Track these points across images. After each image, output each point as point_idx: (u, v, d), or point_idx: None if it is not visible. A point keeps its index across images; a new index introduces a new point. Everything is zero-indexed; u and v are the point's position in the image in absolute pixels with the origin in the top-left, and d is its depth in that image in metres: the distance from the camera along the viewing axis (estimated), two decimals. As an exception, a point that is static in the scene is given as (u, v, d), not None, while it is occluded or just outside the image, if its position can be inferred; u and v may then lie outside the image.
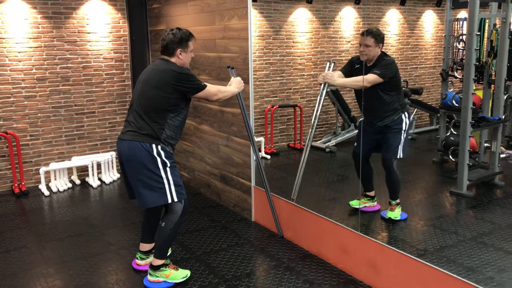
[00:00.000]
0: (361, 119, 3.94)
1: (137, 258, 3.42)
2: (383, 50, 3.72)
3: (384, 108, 3.73)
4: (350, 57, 3.98)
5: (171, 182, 3.03)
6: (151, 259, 3.30)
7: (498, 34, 4.42)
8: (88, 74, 5.54)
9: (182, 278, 3.20)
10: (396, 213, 3.75)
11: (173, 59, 3.08)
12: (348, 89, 5.10)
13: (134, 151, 2.99)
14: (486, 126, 4.46)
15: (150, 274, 3.18)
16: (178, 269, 3.23)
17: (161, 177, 3.00)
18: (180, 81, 2.98)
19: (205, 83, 3.14)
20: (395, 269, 3.00)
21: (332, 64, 3.83)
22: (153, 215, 3.32)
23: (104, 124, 5.73)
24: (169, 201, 3.04)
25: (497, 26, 4.52)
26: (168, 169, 3.03)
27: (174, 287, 3.15)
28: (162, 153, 3.01)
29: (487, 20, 4.60)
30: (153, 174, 2.99)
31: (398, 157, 3.72)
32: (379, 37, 3.66)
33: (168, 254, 3.31)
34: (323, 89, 3.79)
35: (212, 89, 3.17)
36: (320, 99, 3.80)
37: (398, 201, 3.80)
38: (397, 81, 3.72)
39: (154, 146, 2.99)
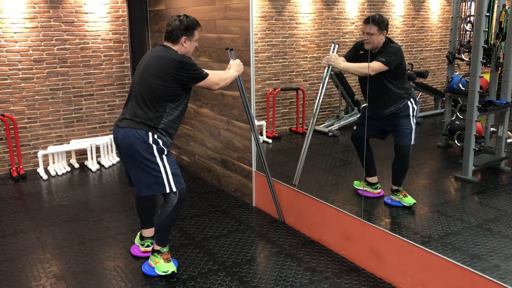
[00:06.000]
0: (364, 104, 3.83)
1: (142, 245, 3.36)
2: (388, 36, 3.59)
3: (389, 96, 3.63)
4: (354, 39, 3.85)
5: (168, 171, 2.94)
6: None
7: (507, 15, 4.29)
8: (86, 56, 5.42)
9: (163, 272, 3.04)
10: (409, 198, 3.67)
11: (176, 47, 2.97)
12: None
13: (130, 138, 2.90)
14: (494, 110, 4.36)
15: (150, 256, 3.16)
16: (169, 261, 3.09)
17: (157, 164, 2.92)
18: (180, 71, 2.87)
19: (207, 72, 3.01)
20: (398, 256, 2.94)
21: (337, 46, 3.69)
22: (147, 202, 3.26)
23: (103, 107, 5.63)
24: (167, 190, 2.96)
25: (507, 7, 4.39)
26: (164, 156, 2.94)
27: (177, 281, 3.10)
28: (159, 141, 2.93)
29: (496, 1, 4.47)
30: (149, 162, 2.91)
31: (412, 143, 3.64)
32: (382, 24, 3.51)
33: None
34: (327, 72, 3.67)
35: (213, 77, 3.04)
36: (323, 83, 3.69)
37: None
38: (402, 69, 3.62)
39: (150, 134, 2.90)
